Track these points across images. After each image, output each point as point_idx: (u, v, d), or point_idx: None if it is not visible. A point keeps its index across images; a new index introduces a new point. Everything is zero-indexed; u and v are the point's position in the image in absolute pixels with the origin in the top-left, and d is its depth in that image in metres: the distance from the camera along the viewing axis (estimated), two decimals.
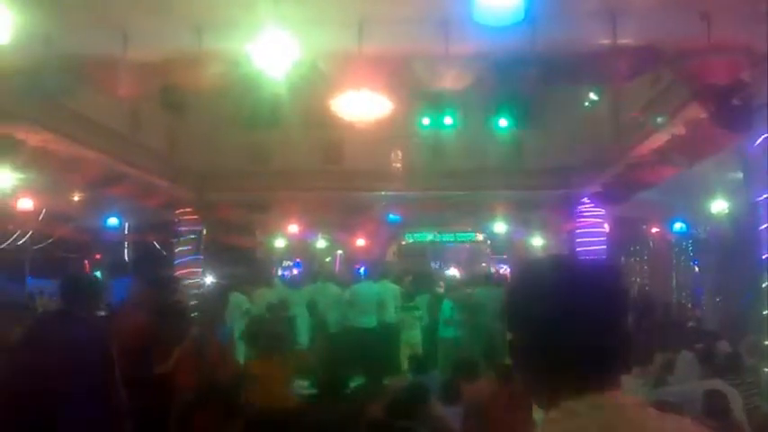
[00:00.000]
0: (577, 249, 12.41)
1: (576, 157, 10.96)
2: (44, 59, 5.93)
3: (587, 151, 10.68)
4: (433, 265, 18.36)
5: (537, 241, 16.66)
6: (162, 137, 11.19)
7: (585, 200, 12.03)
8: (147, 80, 6.67)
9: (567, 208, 12.47)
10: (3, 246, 13.68)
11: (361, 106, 6.41)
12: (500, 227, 15.34)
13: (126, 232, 15.93)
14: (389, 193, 12.52)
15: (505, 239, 17.10)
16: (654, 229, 15.78)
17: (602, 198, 11.24)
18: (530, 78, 6.11)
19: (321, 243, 18.95)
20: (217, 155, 11.58)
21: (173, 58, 6.23)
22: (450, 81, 6.23)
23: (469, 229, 17.88)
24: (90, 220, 14.38)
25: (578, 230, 12.40)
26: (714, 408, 5.18)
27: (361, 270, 16.00)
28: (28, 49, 5.63)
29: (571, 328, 1.23)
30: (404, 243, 18.53)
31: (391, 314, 10.83)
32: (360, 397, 6.05)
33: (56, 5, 5.53)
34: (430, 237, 18.47)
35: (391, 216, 14.01)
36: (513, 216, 13.97)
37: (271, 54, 5.30)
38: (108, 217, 14.68)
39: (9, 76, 6.22)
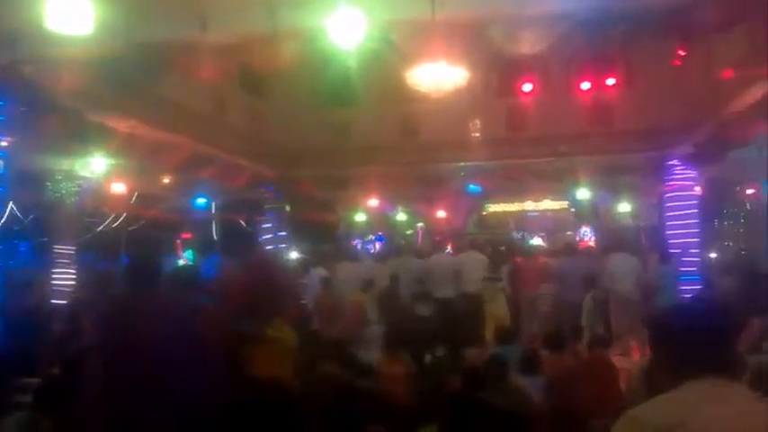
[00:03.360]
0: (667, 214, 11.95)
1: (665, 117, 10.46)
2: (126, 48, 6.13)
3: (677, 110, 10.18)
4: (515, 234, 18.05)
5: (624, 207, 16.11)
6: (244, 117, 11.43)
7: (676, 162, 11.52)
8: (227, 62, 6.81)
9: (657, 171, 11.98)
10: (100, 228, 14.36)
11: (438, 77, 6.31)
12: (585, 193, 14.89)
13: (213, 211, 16.46)
14: (468, 163, 12.38)
15: (591, 206, 16.61)
16: (749, 190, 14.98)
17: (693, 159, 10.73)
18: (613, 36, 5.85)
19: (401, 216, 18.98)
20: (297, 133, 11.75)
21: (250, 38, 6.32)
22: (529, 44, 6.04)
23: (552, 197, 17.47)
24: (179, 200, 14.92)
25: (668, 194, 11.91)
26: None
27: (442, 242, 15.91)
28: (111, 39, 5.83)
29: (692, 341, 1.95)
30: (485, 213, 18.30)
31: (474, 285, 10.75)
32: (439, 369, 6.06)
33: None
34: (511, 206, 18.17)
35: (471, 186, 13.84)
36: (598, 182, 13.54)
37: (344, 28, 5.29)
38: (196, 197, 15.20)
39: (95, 66, 6.46)
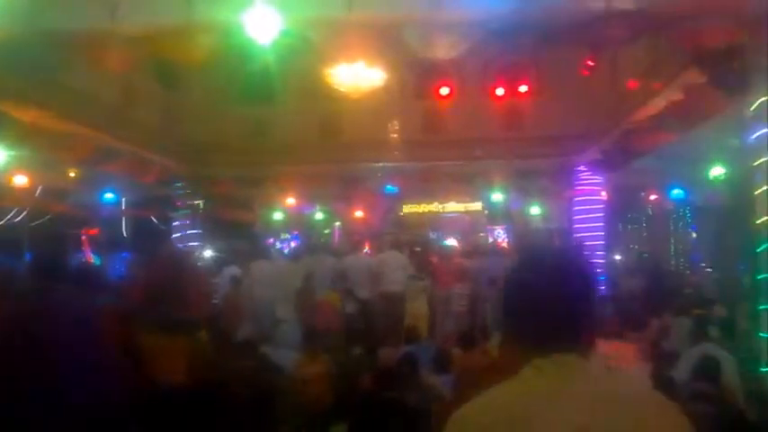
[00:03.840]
0: (575, 218, 12.41)
1: (574, 124, 10.87)
2: (30, 33, 5.84)
3: (585, 118, 10.60)
4: (431, 235, 18.31)
5: (535, 210, 16.63)
6: (157, 111, 11.09)
7: (583, 168, 11.98)
8: (139, 53, 6.59)
9: (566, 176, 12.43)
10: (1, 223, 13.66)
11: (355, 77, 6.34)
12: (498, 196, 15.29)
13: (123, 207, 15.91)
14: (386, 164, 12.46)
15: (504, 209, 17.07)
16: (652, 197, 15.78)
17: (599, 165, 11.19)
18: (525, 44, 6.02)
19: (319, 215, 18.92)
20: (213, 129, 11.49)
21: (164, 29, 6.14)
22: (444, 49, 6.14)
23: (468, 199, 17.83)
24: (86, 195, 14.34)
25: (576, 198, 12.38)
26: (705, 372, 5.21)
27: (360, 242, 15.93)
28: (12, 23, 5.55)
29: (532, 309, 1.58)
30: (401, 214, 18.48)
31: (391, 285, 10.83)
32: (353, 369, 6.08)
33: None
34: (428, 207, 18.42)
35: (389, 187, 13.94)
36: (511, 185, 13.91)
37: (260, 23, 5.22)
38: (104, 192, 14.64)
39: None
